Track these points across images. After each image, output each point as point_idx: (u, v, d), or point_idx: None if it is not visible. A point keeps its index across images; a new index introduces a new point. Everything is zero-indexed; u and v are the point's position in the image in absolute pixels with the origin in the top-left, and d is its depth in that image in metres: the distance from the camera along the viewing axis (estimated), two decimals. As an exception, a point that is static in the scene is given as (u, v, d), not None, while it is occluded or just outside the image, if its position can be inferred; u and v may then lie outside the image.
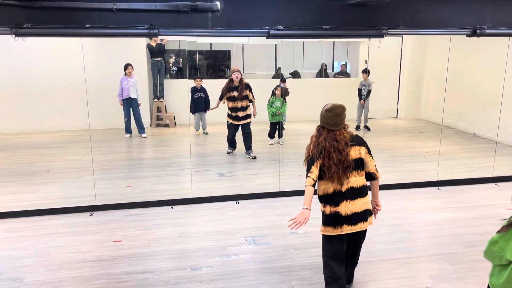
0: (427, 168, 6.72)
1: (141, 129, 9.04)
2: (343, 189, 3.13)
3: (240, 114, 7.30)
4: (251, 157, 7.39)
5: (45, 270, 3.89)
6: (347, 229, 3.16)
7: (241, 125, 7.39)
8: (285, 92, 8.90)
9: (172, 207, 5.33)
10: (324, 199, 3.22)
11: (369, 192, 3.34)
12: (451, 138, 8.74)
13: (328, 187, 3.16)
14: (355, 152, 3.16)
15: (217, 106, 7.64)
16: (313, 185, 3.11)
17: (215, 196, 5.59)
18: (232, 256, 4.15)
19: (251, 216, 5.10)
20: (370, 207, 3.29)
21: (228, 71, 11.84)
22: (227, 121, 7.48)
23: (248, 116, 7.38)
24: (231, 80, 7.26)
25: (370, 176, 3.28)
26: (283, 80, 9.39)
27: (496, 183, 6.22)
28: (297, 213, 3.01)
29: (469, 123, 9.40)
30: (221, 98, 7.44)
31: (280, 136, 8.38)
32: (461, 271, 3.87)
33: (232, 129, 7.48)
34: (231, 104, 7.29)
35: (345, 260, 3.36)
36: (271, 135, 8.39)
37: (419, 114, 11.21)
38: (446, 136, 8.54)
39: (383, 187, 5.88)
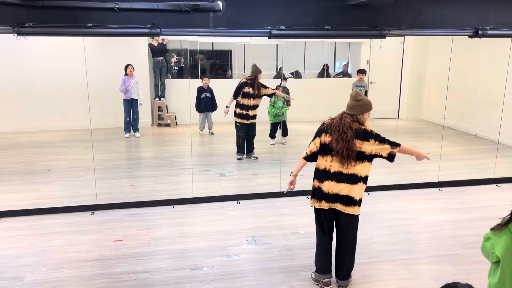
0: (428, 169, 6.70)
1: (135, 128, 9.08)
2: (332, 171, 3.42)
3: (251, 112, 7.17)
4: (253, 158, 7.38)
5: (45, 269, 3.89)
6: (325, 205, 3.48)
7: (248, 125, 7.25)
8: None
9: (173, 207, 5.33)
10: (315, 173, 3.56)
11: (360, 184, 3.45)
12: (452, 139, 8.72)
13: (320, 164, 3.49)
14: (357, 144, 3.36)
15: (228, 107, 7.36)
16: (306, 158, 3.54)
17: (215, 196, 5.59)
18: (232, 256, 4.15)
19: (252, 216, 5.10)
20: (357, 197, 3.45)
21: (230, 71, 11.85)
22: (236, 122, 7.29)
23: (255, 117, 7.27)
24: (255, 77, 7.12)
25: (391, 157, 3.47)
26: (284, 78, 9.36)
27: (497, 185, 6.21)
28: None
29: (471, 124, 9.38)
30: (236, 96, 7.19)
31: (285, 134, 8.37)
32: (461, 272, 3.86)
33: (241, 130, 7.28)
34: (245, 101, 7.12)
35: (338, 250, 3.62)
36: (272, 135, 8.38)
37: (421, 115, 11.19)
38: (448, 137, 8.53)
39: (383, 188, 5.92)
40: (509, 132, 7.82)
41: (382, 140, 3.42)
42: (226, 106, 7.36)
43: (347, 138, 3.32)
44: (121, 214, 5.11)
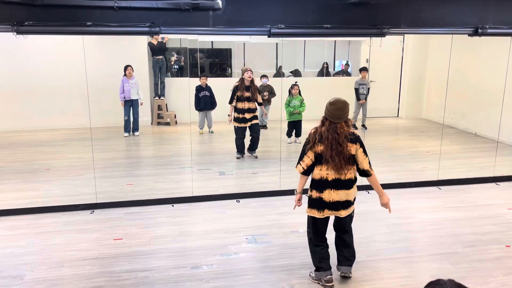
0: (427, 168, 6.71)
1: (135, 128, 9.10)
2: (329, 179, 3.45)
3: (247, 115, 7.09)
4: (253, 157, 7.36)
5: (45, 267, 3.89)
6: (328, 213, 3.55)
7: (249, 127, 7.18)
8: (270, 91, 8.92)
9: (173, 206, 5.33)
10: (312, 183, 3.58)
11: (355, 186, 3.55)
12: (452, 138, 8.72)
13: (316, 174, 3.51)
14: (349, 147, 3.42)
15: (230, 115, 7.25)
16: (304, 173, 3.56)
17: (215, 195, 5.59)
18: (232, 254, 4.15)
19: (252, 215, 5.10)
20: (352, 198, 3.56)
21: (230, 69, 11.85)
22: (234, 126, 7.22)
23: (256, 117, 7.21)
24: (242, 80, 7.08)
25: (365, 173, 3.52)
26: (265, 76, 9.23)
27: (497, 183, 6.21)
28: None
29: (470, 123, 9.38)
30: (231, 101, 7.14)
31: (298, 135, 8.37)
32: (461, 271, 3.87)
33: (240, 132, 7.20)
34: (239, 105, 7.05)
35: (337, 242, 3.73)
36: (288, 134, 8.39)
37: (420, 113, 11.20)
38: (447, 136, 8.53)
39: (384, 187, 5.88)
40: (508, 130, 7.83)
41: (365, 152, 3.49)
42: (229, 115, 7.30)
43: (344, 150, 3.38)
44: (121, 213, 5.11)
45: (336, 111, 3.40)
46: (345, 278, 3.70)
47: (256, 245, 4.33)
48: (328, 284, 3.59)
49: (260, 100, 7.29)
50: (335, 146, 3.36)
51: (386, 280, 3.74)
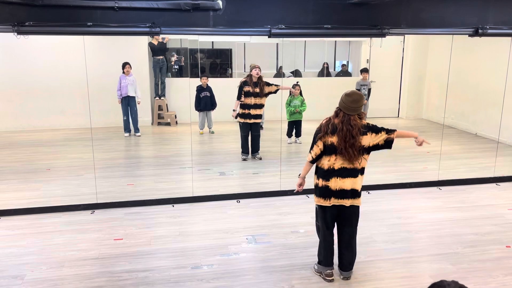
0: (428, 168, 6.72)
1: (135, 128, 9.09)
2: (336, 167, 3.48)
3: (253, 112, 7.05)
4: (257, 158, 7.33)
5: (46, 267, 3.90)
6: (334, 202, 3.55)
7: (251, 125, 7.17)
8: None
9: (173, 206, 5.33)
10: (318, 172, 3.60)
11: (361, 176, 3.55)
12: (452, 138, 8.72)
13: (324, 163, 3.53)
14: (361, 139, 3.43)
15: (236, 110, 7.23)
16: (312, 162, 3.59)
17: (216, 195, 5.59)
18: (232, 254, 4.15)
19: (252, 215, 5.11)
20: (359, 189, 3.57)
21: (230, 70, 11.85)
22: (239, 122, 7.22)
23: (260, 116, 7.18)
24: (250, 76, 7.02)
25: (390, 142, 3.50)
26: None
27: (497, 183, 6.21)
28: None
29: (471, 123, 9.38)
30: (239, 97, 7.09)
31: (298, 135, 8.37)
32: (461, 271, 3.87)
33: (244, 129, 7.17)
34: (247, 101, 7.02)
35: (341, 242, 3.71)
36: (289, 134, 8.38)
37: (421, 113, 11.20)
38: (448, 136, 8.53)
39: (384, 187, 5.92)
40: (509, 130, 7.82)
41: (378, 130, 3.48)
42: (234, 110, 7.28)
43: (356, 142, 3.38)
44: (121, 213, 5.11)
45: (351, 103, 3.42)
46: (345, 278, 3.72)
47: (256, 245, 4.33)
48: (328, 278, 3.65)
49: (274, 88, 7.18)
50: (348, 138, 3.37)
51: (386, 280, 3.74)
